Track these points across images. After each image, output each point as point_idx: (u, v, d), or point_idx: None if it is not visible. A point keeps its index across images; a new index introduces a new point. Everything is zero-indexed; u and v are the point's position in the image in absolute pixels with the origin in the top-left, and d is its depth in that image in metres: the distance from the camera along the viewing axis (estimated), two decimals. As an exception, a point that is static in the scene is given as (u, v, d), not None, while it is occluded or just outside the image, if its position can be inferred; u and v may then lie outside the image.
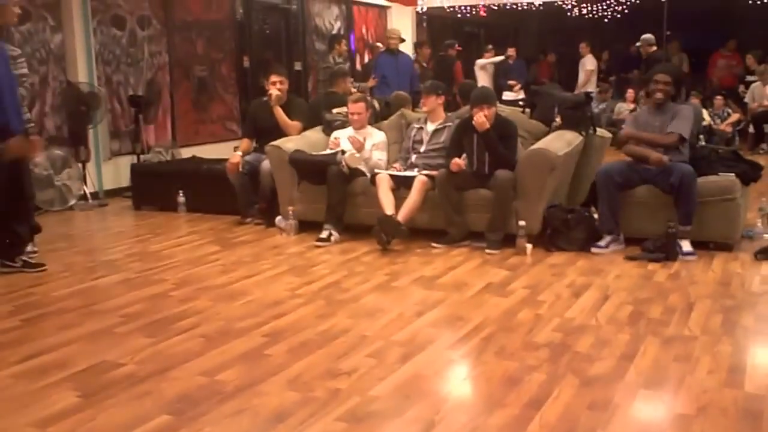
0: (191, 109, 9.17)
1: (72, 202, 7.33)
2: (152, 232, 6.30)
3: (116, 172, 8.08)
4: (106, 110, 7.88)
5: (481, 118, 5.31)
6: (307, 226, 5.96)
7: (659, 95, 5.25)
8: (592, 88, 12.08)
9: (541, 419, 2.75)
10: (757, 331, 3.67)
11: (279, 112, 6.43)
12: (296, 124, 6.44)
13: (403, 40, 9.92)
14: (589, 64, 12.57)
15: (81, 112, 7.46)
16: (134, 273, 4.99)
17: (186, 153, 8.41)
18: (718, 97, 10.55)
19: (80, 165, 7.52)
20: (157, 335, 3.74)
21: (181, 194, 7.01)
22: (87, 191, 7.51)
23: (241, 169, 6.36)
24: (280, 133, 6.35)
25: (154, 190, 7.29)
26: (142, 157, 7.99)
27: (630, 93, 11.59)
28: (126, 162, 8.00)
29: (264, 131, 6.47)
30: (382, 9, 12.94)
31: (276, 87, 6.46)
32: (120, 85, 8.21)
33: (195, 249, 5.66)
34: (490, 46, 12.68)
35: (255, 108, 6.78)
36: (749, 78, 11.74)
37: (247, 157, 6.49)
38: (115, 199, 7.81)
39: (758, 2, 12.02)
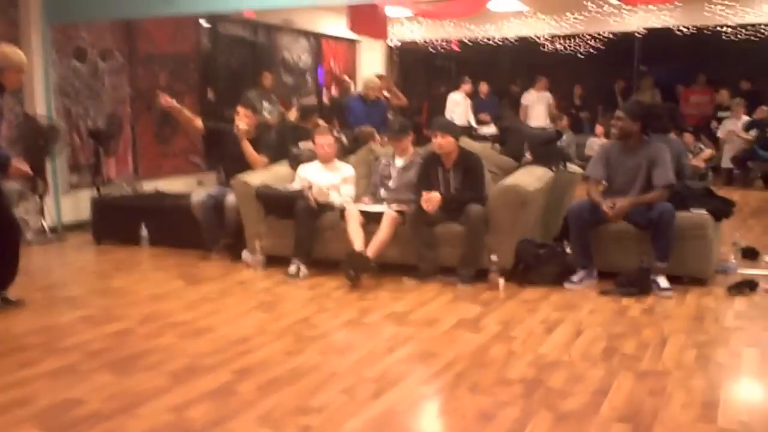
0: (153, 142, 9.24)
1: (29, 236, 7.32)
2: (114, 267, 6.33)
3: (76, 206, 8.09)
4: (65, 143, 7.91)
5: (426, 203, 5.48)
6: (274, 261, 6.03)
7: (615, 131, 5.51)
8: (541, 123, 12.30)
9: (515, 453, 2.84)
10: (731, 366, 3.81)
11: (246, 146, 6.53)
12: (263, 160, 6.54)
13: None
14: (528, 99, 12.84)
15: (39, 145, 7.47)
16: (96, 309, 5.01)
17: (148, 186, 8.47)
18: (686, 133, 10.87)
19: (38, 198, 7.53)
20: (122, 372, 3.78)
21: (143, 228, 7.05)
22: (45, 225, 7.51)
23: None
24: (246, 164, 6.46)
25: (115, 223, 7.32)
26: (102, 190, 8.01)
27: (599, 128, 11.91)
28: (86, 195, 8.00)
29: (229, 160, 6.61)
30: (352, 43, 13.17)
31: (242, 120, 6.57)
32: (80, 117, 8.25)
33: (159, 285, 5.70)
34: (467, 78, 12.89)
35: (225, 135, 6.83)
36: (721, 114, 12.13)
37: (212, 191, 6.57)
38: (74, 234, 7.79)
39: (733, 38, 12.45)
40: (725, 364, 3.82)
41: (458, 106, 12.42)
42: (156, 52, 9.22)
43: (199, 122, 6.83)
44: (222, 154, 6.79)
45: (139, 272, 6.19)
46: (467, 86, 12.71)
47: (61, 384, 3.66)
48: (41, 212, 7.52)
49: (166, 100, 6.60)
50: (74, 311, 4.98)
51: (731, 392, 3.47)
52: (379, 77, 10.12)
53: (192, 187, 8.79)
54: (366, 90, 9.44)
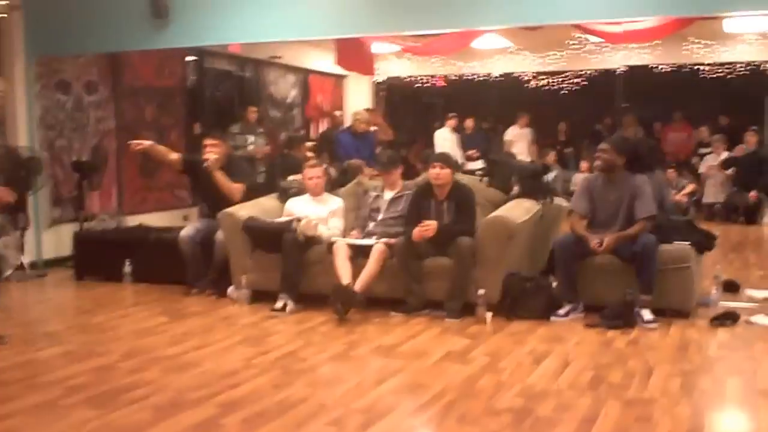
0: (138, 177, 9.27)
1: (8, 272, 7.28)
2: (96, 303, 6.30)
3: (57, 241, 8.07)
4: (48, 176, 7.92)
5: (423, 230, 5.56)
6: (260, 297, 6.04)
7: (598, 163, 5.62)
8: (523, 158, 12.45)
9: (504, 483, 2.87)
10: (715, 393, 3.87)
11: (218, 177, 6.50)
12: (238, 187, 6.52)
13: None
14: (510, 135, 13.05)
15: (20, 178, 7.46)
16: (77, 345, 4.99)
17: (132, 221, 8.47)
18: (670, 170, 11.05)
19: (18, 233, 7.50)
20: (105, 407, 3.77)
21: (127, 264, 7.04)
22: (24, 261, 7.47)
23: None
24: (223, 196, 6.47)
25: (98, 259, 7.30)
26: (85, 224, 8.00)
27: (584, 164, 12.06)
28: (68, 230, 8.00)
29: (209, 192, 6.60)
30: (339, 78, 13.32)
31: (210, 151, 6.53)
32: (64, 150, 8.28)
33: (142, 320, 5.69)
34: (453, 114, 13.06)
35: (197, 169, 6.71)
36: (702, 150, 12.34)
37: (199, 225, 6.59)
38: (54, 270, 7.76)
39: (710, 75, 12.72)
40: (709, 392, 3.88)
41: (446, 142, 12.56)
42: (141, 85, 9.29)
43: (174, 156, 6.82)
44: (202, 187, 6.77)
45: (121, 308, 6.17)
46: (453, 122, 12.89)
47: (42, 419, 3.65)
48: (21, 247, 7.49)
49: (135, 144, 6.61)
50: (55, 347, 4.96)
51: (715, 419, 3.53)
52: (368, 111, 10.26)
53: (177, 221, 8.82)
54: (355, 123, 9.59)
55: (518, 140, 12.93)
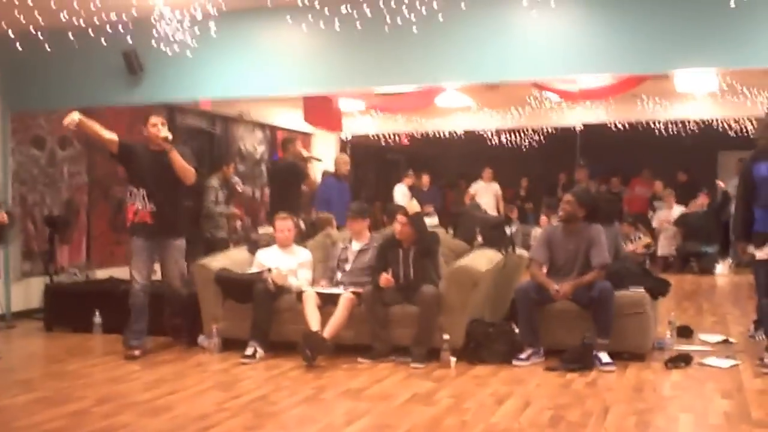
0: (108, 230, 9.35)
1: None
2: (67, 353, 6.35)
3: (26, 294, 8.11)
4: (19, 230, 7.99)
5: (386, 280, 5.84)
6: (230, 345, 6.14)
7: (561, 213, 5.87)
8: (490, 212, 12.80)
9: None
10: (668, 430, 4.08)
11: (176, 156, 6.01)
12: (192, 169, 6.11)
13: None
14: (475, 188, 13.47)
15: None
16: (51, 391, 5.05)
17: (101, 274, 8.53)
18: (624, 224, 11.44)
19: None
20: (82, 449, 3.86)
21: (97, 314, 7.10)
22: (-8, 313, 7.50)
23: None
24: (171, 182, 6.04)
25: (68, 310, 7.36)
26: (55, 278, 8.06)
27: (543, 219, 12.40)
28: (37, 283, 8.05)
29: (152, 181, 6.05)
30: (306, 135, 13.58)
31: (160, 129, 6.06)
32: (35, 205, 8.37)
33: (114, 368, 5.76)
34: (411, 171, 13.44)
35: (136, 153, 6.15)
36: (656, 203, 12.78)
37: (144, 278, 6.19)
38: (23, 321, 7.78)
39: (665, 133, 13.23)
40: (663, 429, 4.08)
41: (404, 197, 12.86)
42: (114, 141, 9.42)
43: (109, 135, 6.14)
44: (143, 172, 6.09)
45: (92, 357, 6.23)
46: (409, 179, 13.29)
47: (21, 461, 3.72)
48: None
49: (71, 119, 5.92)
50: (28, 393, 5.02)
51: (668, 452, 3.70)
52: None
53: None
54: (338, 166, 9.91)
55: (483, 194, 13.30)
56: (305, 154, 8.41)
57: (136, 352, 6.05)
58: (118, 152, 6.17)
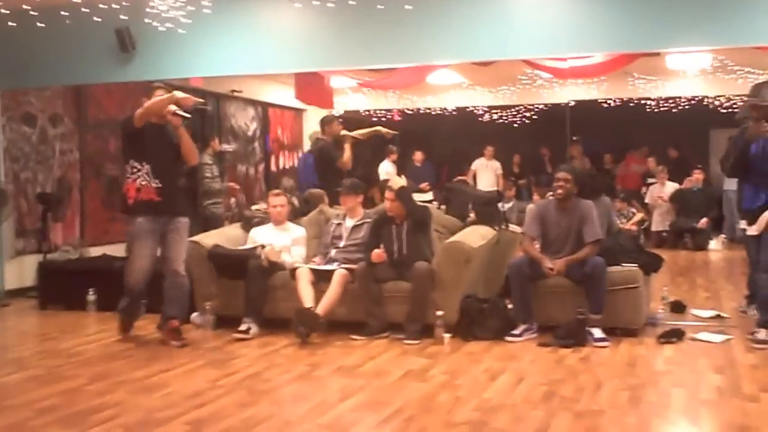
0: (101, 208, 9.27)
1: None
2: (61, 331, 6.30)
3: (20, 272, 8.04)
4: (13, 208, 7.92)
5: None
6: (224, 322, 6.09)
7: (560, 191, 5.78)
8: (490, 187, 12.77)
9: (463, 487, 2.99)
10: (660, 403, 4.05)
11: (185, 133, 5.68)
12: (197, 150, 5.95)
13: None
14: (476, 165, 13.41)
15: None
16: (44, 369, 5.02)
17: (94, 252, 8.47)
18: (617, 200, 11.43)
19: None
20: (75, 427, 3.82)
21: (91, 292, 7.05)
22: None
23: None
24: (171, 160, 5.71)
25: (62, 288, 7.30)
26: (48, 255, 7.99)
27: (536, 196, 12.36)
28: (31, 261, 7.99)
29: (153, 157, 5.61)
30: (298, 111, 13.49)
31: (170, 101, 5.58)
32: (28, 182, 8.28)
33: (107, 346, 5.72)
34: (394, 148, 13.30)
35: (144, 127, 5.62)
36: (650, 180, 12.75)
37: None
38: (17, 300, 7.73)
39: (655, 110, 13.19)
40: (655, 403, 4.06)
41: (389, 174, 12.76)
42: (105, 118, 9.33)
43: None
44: (147, 151, 5.60)
45: (86, 335, 6.18)
46: (394, 156, 13.12)
47: (13, 439, 3.68)
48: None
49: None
50: (21, 371, 4.99)
51: (660, 426, 3.70)
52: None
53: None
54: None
55: (484, 171, 13.25)
56: (343, 133, 8.39)
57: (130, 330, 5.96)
58: (140, 129, 5.60)
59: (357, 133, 8.60)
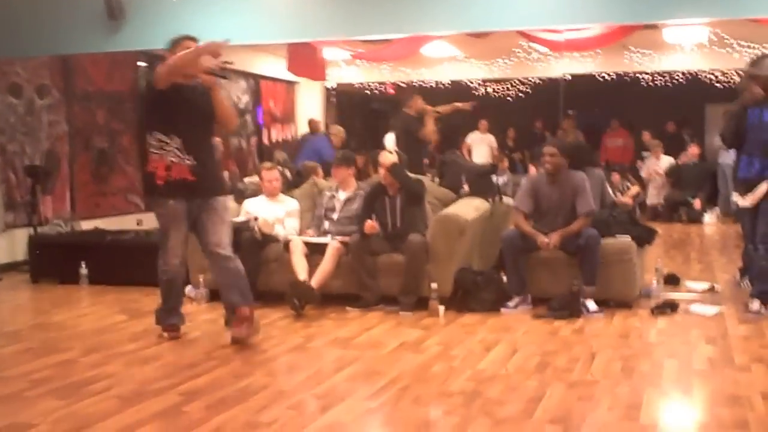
0: (91, 181, 9.27)
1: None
2: (53, 304, 6.34)
3: (10, 246, 8.05)
4: (1, 180, 7.91)
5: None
6: (218, 295, 6.09)
7: (548, 166, 5.83)
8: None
9: (457, 454, 3.06)
10: (653, 374, 4.12)
11: (220, 95, 4.84)
12: (235, 112, 5.43)
13: None
14: (471, 138, 13.46)
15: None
16: (38, 342, 5.07)
17: (86, 226, 8.48)
18: (614, 173, 11.49)
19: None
20: (70, 398, 3.85)
21: (83, 266, 7.07)
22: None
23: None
24: (205, 130, 4.89)
25: (53, 262, 7.32)
26: (39, 229, 8.00)
27: (532, 169, 12.40)
28: (21, 234, 7.99)
29: (185, 127, 4.72)
30: (291, 84, 13.46)
31: (207, 59, 4.63)
32: (16, 154, 8.26)
33: (101, 319, 5.76)
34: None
35: (179, 91, 4.69)
36: (645, 154, 12.81)
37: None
38: (8, 274, 7.74)
39: (651, 84, 13.21)
40: (648, 373, 4.13)
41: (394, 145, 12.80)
42: (93, 89, 9.30)
43: None
44: (176, 120, 4.71)
45: (79, 308, 6.23)
46: None
47: (7, 409, 3.72)
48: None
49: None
50: (16, 344, 5.03)
51: (652, 395, 3.75)
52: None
53: (131, 226, 8.82)
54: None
55: (479, 144, 13.28)
56: (425, 108, 8.78)
57: (170, 334, 5.04)
58: (164, 89, 4.64)
59: (438, 108, 9.07)
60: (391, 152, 6.34)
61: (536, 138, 14.14)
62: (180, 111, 4.69)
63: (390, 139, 13.04)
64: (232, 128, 5.07)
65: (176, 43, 4.80)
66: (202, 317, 5.74)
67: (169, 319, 5.10)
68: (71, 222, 8.42)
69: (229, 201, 5.12)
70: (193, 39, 4.81)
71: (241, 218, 6.29)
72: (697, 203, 11.44)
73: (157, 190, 4.81)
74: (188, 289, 6.31)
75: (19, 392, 3.97)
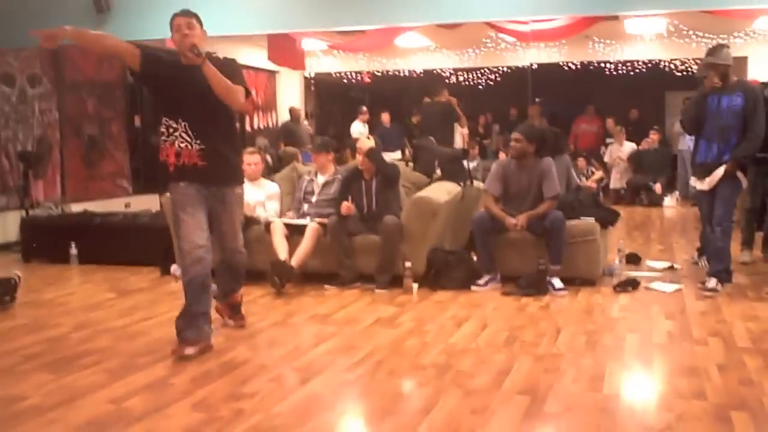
0: (81, 166, 9.15)
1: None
2: (44, 283, 6.26)
3: (3, 227, 7.95)
4: (-7, 165, 7.80)
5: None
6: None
7: (513, 152, 5.83)
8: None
9: (429, 424, 3.05)
10: (615, 347, 4.13)
11: (211, 70, 4.01)
12: (239, 88, 4.13)
13: None
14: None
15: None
16: (29, 319, 5.00)
17: (75, 208, 8.38)
18: (580, 158, 11.52)
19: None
20: (61, 371, 3.82)
21: (73, 246, 6.99)
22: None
23: None
24: (218, 112, 4.14)
25: (44, 243, 7.24)
26: (31, 211, 7.89)
27: (501, 155, 12.39)
28: (13, 217, 7.89)
29: (192, 110, 4.11)
30: (271, 73, 13.34)
31: (188, 35, 4.05)
32: (9, 141, 8.14)
33: (90, 296, 5.70)
34: (364, 108, 13.23)
35: (169, 69, 4.13)
36: (609, 140, 12.85)
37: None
38: (1, 254, 7.65)
39: (614, 72, 13.24)
40: (610, 347, 4.14)
41: (361, 134, 12.73)
42: (83, 79, 9.17)
43: (126, 46, 4.12)
44: (180, 102, 4.12)
45: (69, 286, 6.15)
46: (365, 116, 13.06)
47: (2, 382, 3.67)
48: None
49: (44, 40, 3.92)
50: (7, 321, 4.97)
51: (614, 367, 3.77)
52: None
53: (119, 209, 8.72)
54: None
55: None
56: (451, 97, 9.30)
57: (190, 350, 4.04)
58: (142, 69, 4.10)
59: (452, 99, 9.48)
60: (369, 137, 6.30)
61: (508, 124, 14.14)
62: (184, 92, 4.09)
63: (357, 127, 13.02)
64: (238, 106, 4.19)
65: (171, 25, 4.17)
66: (187, 295, 5.67)
67: (187, 330, 4.12)
68: (62, 205, 8.33)
69: (242, 195, 4.50)
70: (184, 14, 4.15)
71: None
72: (657, 187, 11.50)
73: (168, 177, 4.18)
74: (173, 268, 6.27)
75: (12, 366, 3.93)
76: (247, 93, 4.17)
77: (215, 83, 4.02)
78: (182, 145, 4.14)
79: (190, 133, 4.13)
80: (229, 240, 4.40)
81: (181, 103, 4.13)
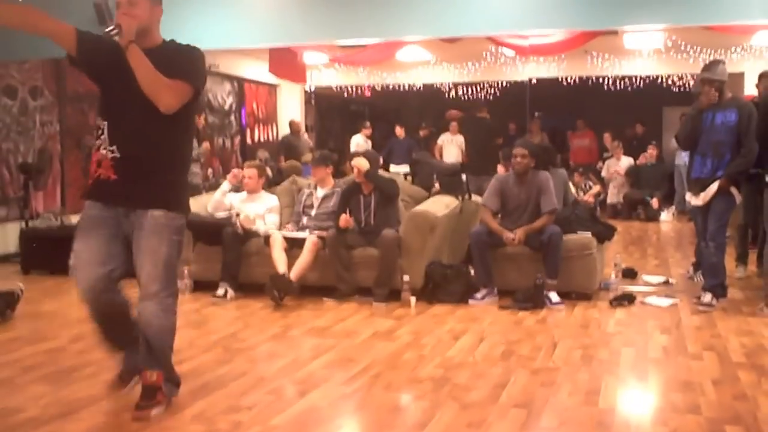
0: (81, 177, 9.16)
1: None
2: (43, 294, 6.27)
3: (3, 238, 7.96)
4: (-6, 177, 7.82)
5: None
6: (202, 287, 6.11)
7: (518, 167, 5.84)
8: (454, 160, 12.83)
9: (426, 437, 3.07)
10: (611, 362, 4.15)
11: (136, 55, 3.17)
12: (176, 84, 3.23)
13: None
14: (442, 140, 13.49)
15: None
16: (27, 331, 5.01)
17: (75, 220, 8.37)
18: (576, 173, 11.56)
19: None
20: (58, 383, 3.83)
21: (72, 257, 6.98)
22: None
23: None
24: (140, 112, 3.22)
25: (44, 254, 7.24)
26: (30, 223, 7.91)
27: (501, 168, 12.42)
28: (13, 228, 7.90)
29: (121, 106, 3.26)
30: (272, 87, 13.40)
31: (125, 13, 3.26)
32: (10, 152, 8.17)
33: (89, 309, 5.69)
34: (368, 123, 13.30)
35: (109, 56, 3.26)
36: (606, 155, 12.90)
37: None
38: (1, 265, 7.65)
39: (612, 87, 13.30)
40: (606, 361, 4.16)
41: (360, 147, 12.77)
42: (84, 91, 9.19)
43: (59, 25, 3.40)
44: (113, 97, 3.32)
45: (68, 298, 6.15)
46: (367, 131, 13.12)
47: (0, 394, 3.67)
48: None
49: None
50: (5, 333, 4.97)
51: (610, 381, 3.78)
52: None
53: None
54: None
55: (449, 145, 13.27)
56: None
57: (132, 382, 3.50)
58: (78, 53, 3.32)
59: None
60: (362, 154, 6.32)
61: (506, 139, 14.19)
62: (121, 86, 3.23)
63: (357, 139, 13.07)
64: (163, 105, 3.21)
65: None
66: (186, 307, 5.66)
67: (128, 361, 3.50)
68: (61, 216, 8.33)
69: (179, 219, 3.43)
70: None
71: (223, 214, 6.26)
72: (654, 202, 11.53)
73: (85, 192, 3.46)
74: (173, 280, 6.26)
75: (10, 378, 3.93)
76: (197, 93, 3.34)
77: (140, 74, 3.15)
78: (103, 151, 3.27)
79: (108, 137, 3.26)
80: (142, 280, 3.41)
81: (110, 98, 3.31)
